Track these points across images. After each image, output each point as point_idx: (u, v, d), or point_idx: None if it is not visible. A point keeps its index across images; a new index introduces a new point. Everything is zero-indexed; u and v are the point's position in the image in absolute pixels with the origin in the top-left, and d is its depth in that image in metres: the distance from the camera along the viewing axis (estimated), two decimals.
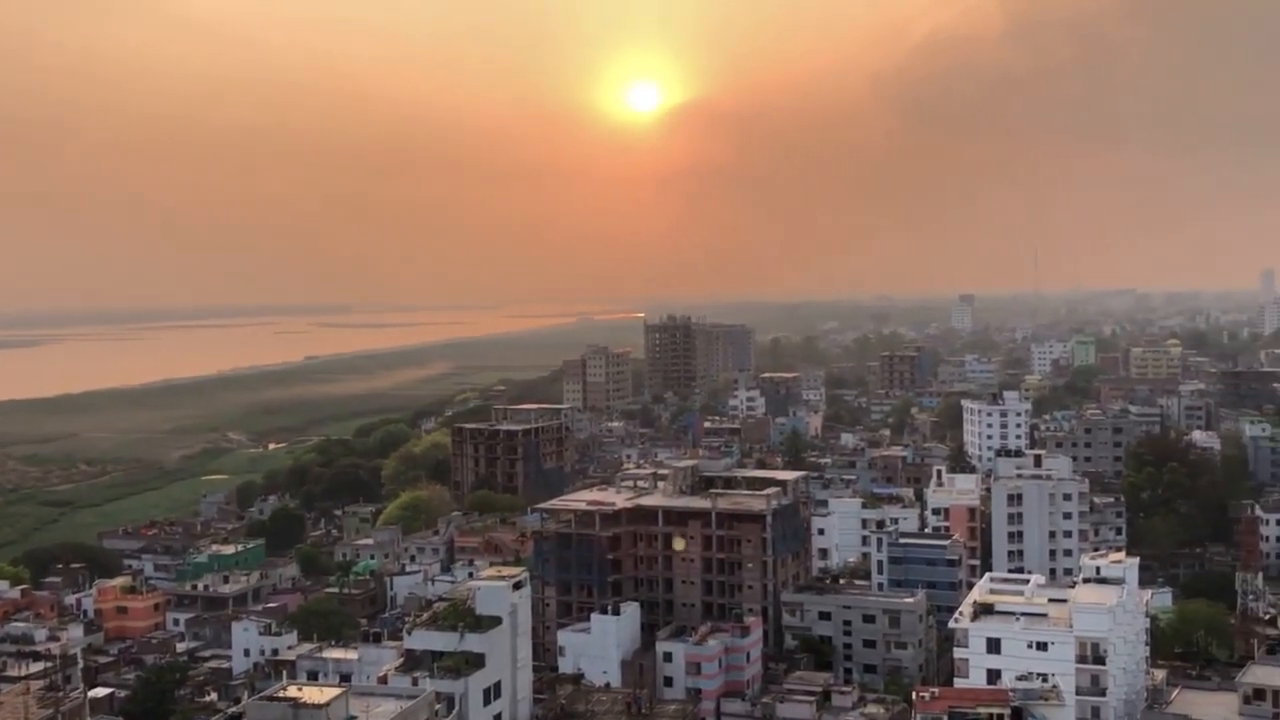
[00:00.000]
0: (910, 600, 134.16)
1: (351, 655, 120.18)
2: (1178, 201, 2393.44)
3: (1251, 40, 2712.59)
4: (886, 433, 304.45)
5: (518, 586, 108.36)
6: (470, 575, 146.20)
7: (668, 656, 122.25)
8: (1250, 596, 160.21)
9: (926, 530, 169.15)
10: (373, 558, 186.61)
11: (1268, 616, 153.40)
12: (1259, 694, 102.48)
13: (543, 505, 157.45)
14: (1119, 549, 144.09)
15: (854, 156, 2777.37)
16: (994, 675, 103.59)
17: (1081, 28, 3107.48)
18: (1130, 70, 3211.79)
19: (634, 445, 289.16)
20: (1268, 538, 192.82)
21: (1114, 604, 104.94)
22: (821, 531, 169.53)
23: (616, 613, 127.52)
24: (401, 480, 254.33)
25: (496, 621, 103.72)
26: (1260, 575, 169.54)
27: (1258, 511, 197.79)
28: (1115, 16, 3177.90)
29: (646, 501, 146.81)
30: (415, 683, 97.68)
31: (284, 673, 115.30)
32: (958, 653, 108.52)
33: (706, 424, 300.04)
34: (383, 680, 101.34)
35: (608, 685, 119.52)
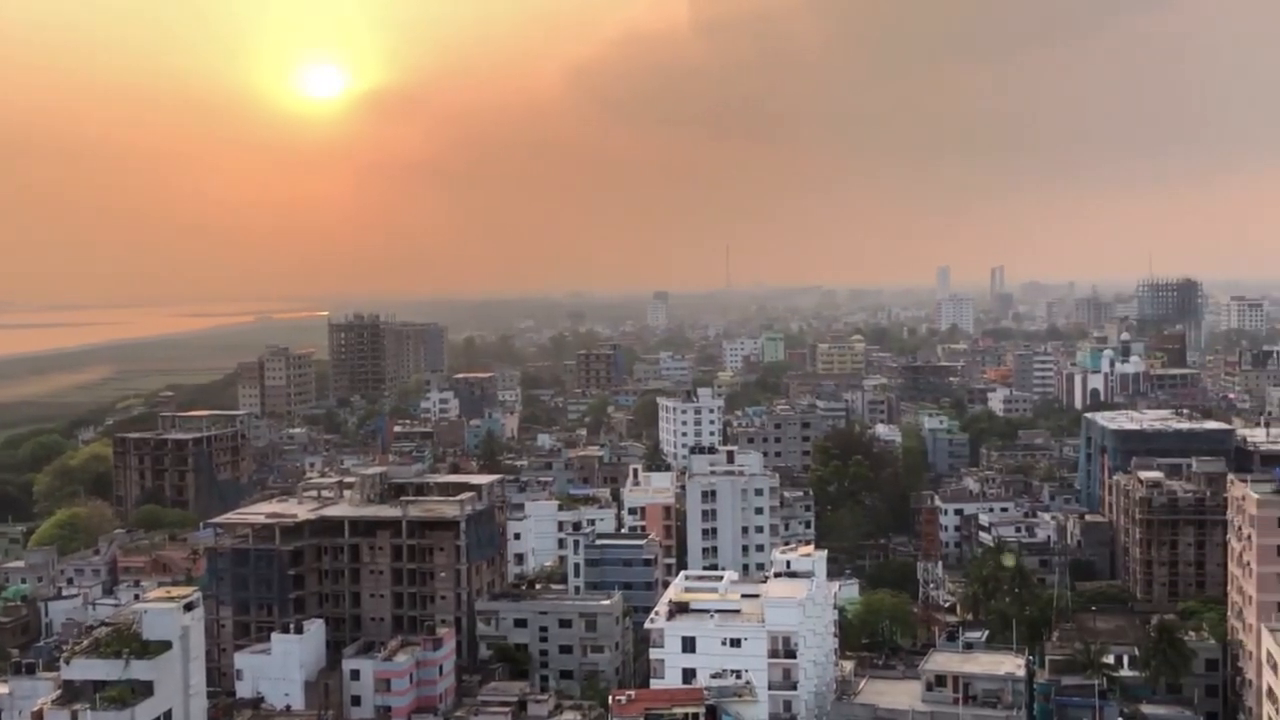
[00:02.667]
0: (607, 602, 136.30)
1: (1, 689, 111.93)
2: (860, 200, 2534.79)
3: (931, 43, 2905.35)
4: (583, 432, 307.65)
5: (189, 608, 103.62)
6: (136, 597, 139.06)
7: (355, 674, 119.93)
8: (931, 585, 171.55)
9: (623, 530, 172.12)
10: (24, 581, 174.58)
11: (947, 604, 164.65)
12: (940, 680, 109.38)
13: (217, 519, 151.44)
14: (808, 542, 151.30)
15: (550, 150, 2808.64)
16: (689, 674, 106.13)
17: (763, 25, 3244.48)
18: (812, 69, 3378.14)
19: (318, 453, 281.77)
20: (946, 527, 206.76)
21: (803, 597, 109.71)
22: (517, 536, 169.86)
23: (299, 631, 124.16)
24: (57, 496, 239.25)
25: (166, 646, 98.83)
26: (940, 564, 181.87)
27: (937, 502, 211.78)
28: (797, 14, 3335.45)
29: (331, 512, 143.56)
30: (75, 716, 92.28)
31: None
32: (654, 653, 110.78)
33: (397, 428, 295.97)
34: (38, 715, 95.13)
35: (289, 708, 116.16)
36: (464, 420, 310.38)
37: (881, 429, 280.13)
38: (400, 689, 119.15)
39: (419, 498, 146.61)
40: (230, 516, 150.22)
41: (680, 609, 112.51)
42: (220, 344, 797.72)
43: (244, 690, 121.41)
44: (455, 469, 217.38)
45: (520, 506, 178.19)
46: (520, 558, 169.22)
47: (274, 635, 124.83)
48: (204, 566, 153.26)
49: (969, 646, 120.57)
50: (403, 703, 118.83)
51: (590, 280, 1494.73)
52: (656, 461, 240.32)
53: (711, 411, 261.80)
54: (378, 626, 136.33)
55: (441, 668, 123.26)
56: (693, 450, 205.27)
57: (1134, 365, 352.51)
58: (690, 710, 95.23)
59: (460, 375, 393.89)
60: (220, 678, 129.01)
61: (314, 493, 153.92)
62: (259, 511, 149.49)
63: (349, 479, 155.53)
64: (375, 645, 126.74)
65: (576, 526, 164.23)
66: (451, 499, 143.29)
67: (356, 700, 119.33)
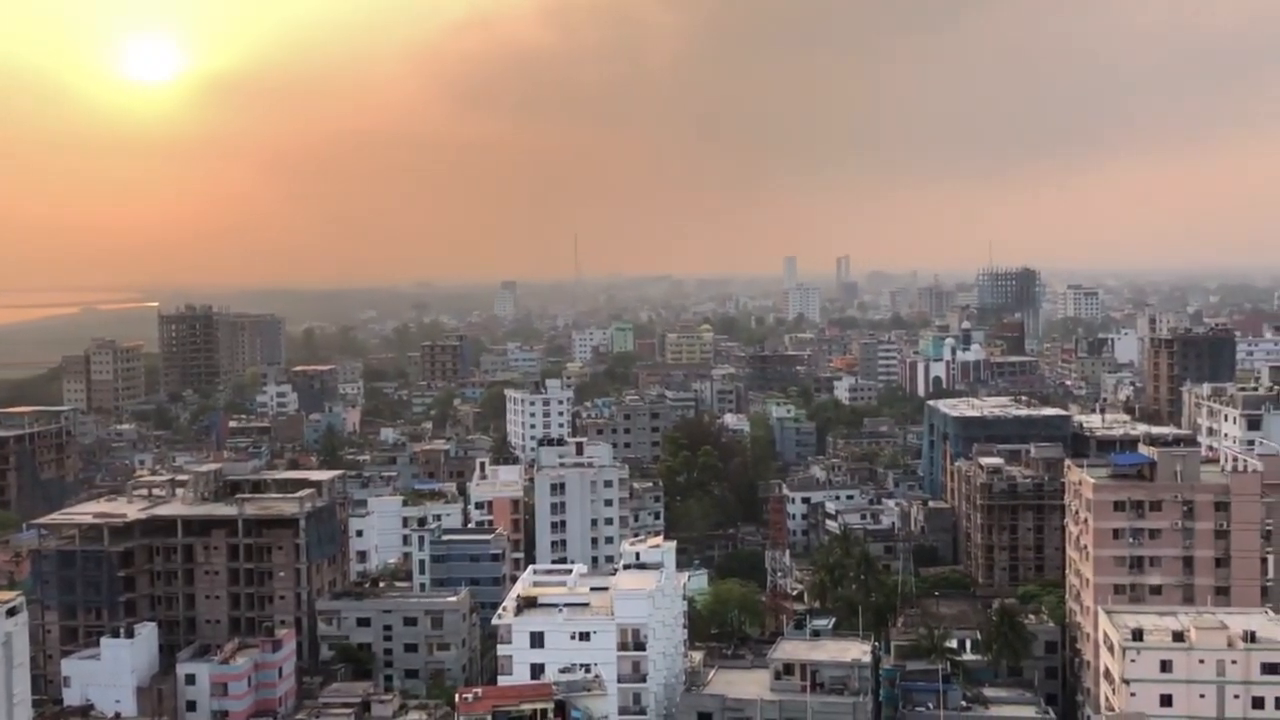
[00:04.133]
0: (453, 599, 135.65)
1: None
2: (709, 189, 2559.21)
3: (782, 33, 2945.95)
4: (429, 426, 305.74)
5: (12, 613, 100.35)
6: None
7: (190, 679, 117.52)
8: (779, 573, 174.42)
9: (470, 525, 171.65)
10: None
11: (795, 592, 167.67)
12: (788, 669, 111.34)
13: (41, 520, 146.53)
14: (657, 534, 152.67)
15: (393, 136, 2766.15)
16: (538, 669, 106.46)
17: (613, 11, 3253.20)
18: (663, 57, 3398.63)
19: (148, 450, 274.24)
20: (794, 516, 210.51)
21: (653, 589, 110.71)
22: (360, 533, 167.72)
23: (130, 635, 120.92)
24: None
25: None
26: (788, 552, 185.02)
27: (784, 490, 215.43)
28: (647, 1, 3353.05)
29: (163, 511, 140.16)
30: None
31: None
32: (501, 650, 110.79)
33: (232, 423, 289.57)
34: None
35: (119, 716, 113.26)
36: (303, 415, 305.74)
37: (730, 419, 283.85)
38: (238, 692, 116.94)
39: (256, 495, 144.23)
40: (55, 517, 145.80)
41: (528, 604, 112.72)
42: (42, 336, 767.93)
43: (72, 698, 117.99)
44: (294, 465, 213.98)
45: (363, 503, 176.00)
46: (363, 555, 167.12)
47: (103, 640, 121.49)
48: (28, 569, 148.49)
49: (816, 634, 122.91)
50: (241, 707, 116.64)
51: (435, 269, 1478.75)
52: (504, 455, 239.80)
53: (560, 403, 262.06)
54: (214, 629, 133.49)
55: (281, 670, 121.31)
56: (541, 442, 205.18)
57: (975, 353, 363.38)
58: (539, 706, 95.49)
59: (299, 368, 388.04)
60: (47, 685, 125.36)
61: (144, 491, 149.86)
62: (86, 511, 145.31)
63: (182, 477, 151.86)
64: (211, 648, 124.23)
65: (421, 522, 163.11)
66: (290, 496, 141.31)
67: (192, 705, 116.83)
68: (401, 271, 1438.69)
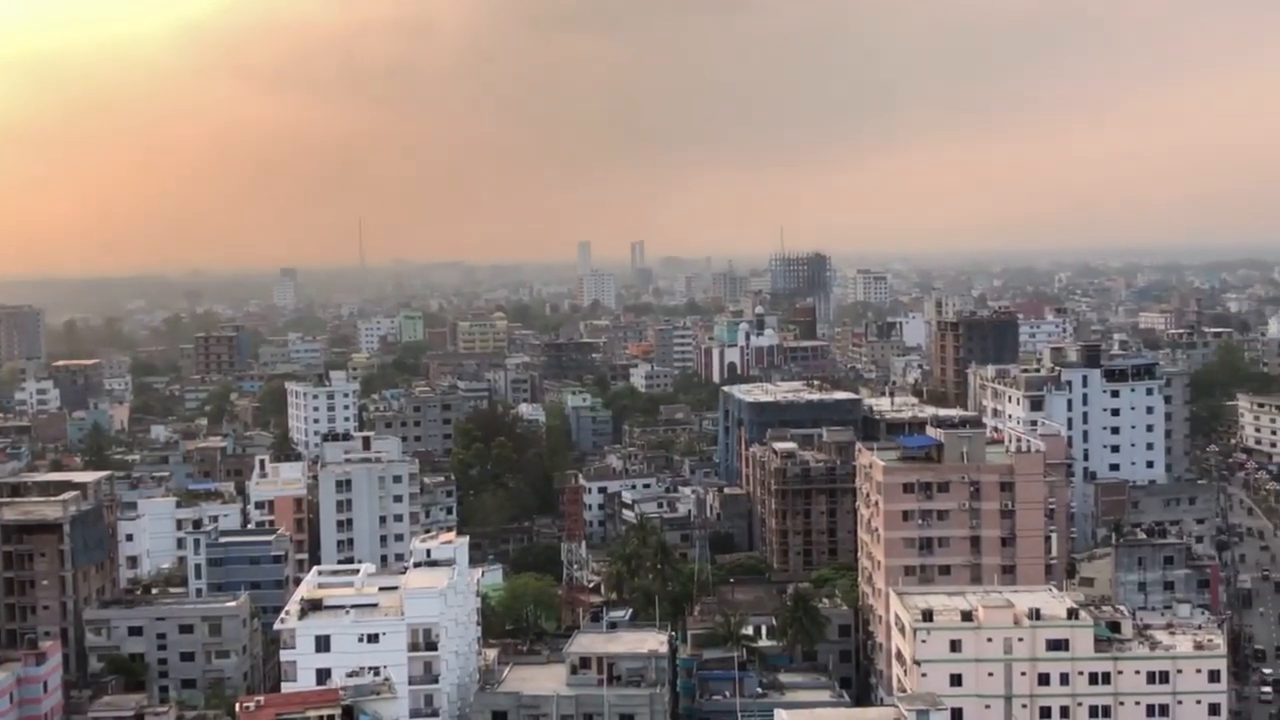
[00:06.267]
0: (232, 604, 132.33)
1: None
2: (500, 172, 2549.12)
3: (572, 13, 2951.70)
4: (204, 422, 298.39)
5: None
6: None
7: None
8: (576, 566, 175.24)
9: (250, 527, 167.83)
10: None
11: (592, 584, 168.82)
12: (585, 662, 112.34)
13: None
14: (449, 529, 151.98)
15: (161, 113, 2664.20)
16: (324, 674, 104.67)
17: None
18: (452, 35, 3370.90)
19: None
20: (590, 506, 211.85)
21: (445, 587, 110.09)
22: (130, 537, 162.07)
23: None
24: None
25: None
26: (584, 544, 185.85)
27: (581, 481, 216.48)
28: None
29: None
30: None
31: None
32: (285, 655, 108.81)
33: None
34: None
35: None
36: (66, 413, 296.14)
37: (525, 408, 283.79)
38: None
39: (15, 499, 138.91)
40: None
41: (313, 606, 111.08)
42: None
43: None
44: (57, 466, 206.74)
45: (133, 505, 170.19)
46: (134, 561, 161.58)
47: None
48: None
49: (613, 626, 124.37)
50: None
51: (209, 256, 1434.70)
52: (286, 451, 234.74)
53: (345, 396, 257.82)
54: None
55: (46, 684, 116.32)
56: (325, 438, 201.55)
57: (768, 338, 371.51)
58: (325, 712, 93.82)
59: (60, 363, 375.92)
60: None
61: None
62: None
63: None
64: None
65: (197, 524, 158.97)
66: (53, 499, 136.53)
67: None
68: (172, 258, 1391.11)
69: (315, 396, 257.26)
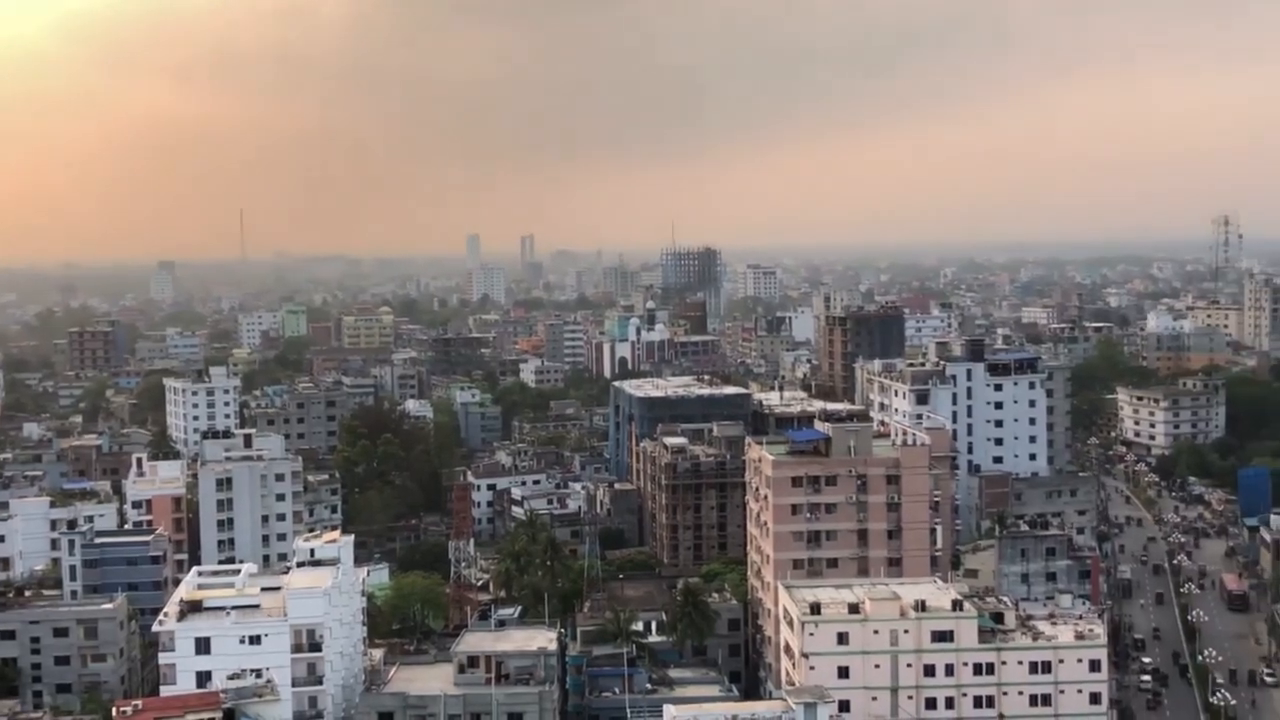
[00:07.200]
0: (109, 606, 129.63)
1: None
2: (386, 163, 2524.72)
3: (465, 3, 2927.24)
4: (78, 420, 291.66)
5: None
6: None
7: None
8: (464, 564, 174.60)
9: (127, 527, 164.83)
10: None
11: (480, 582, 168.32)
12: (473, 661, 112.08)
13: None
14: (334, 528, 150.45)
15: (31, 101, 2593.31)
16: (205, 677, 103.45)
17: None
18: (335, 22, 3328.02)
19: None
20: (479, 503, 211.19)
21: (329, 587, 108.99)
22: (2, 538, 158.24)
23: None
24: None
25: None
26: (472, 542, 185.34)
27: (469, 478, 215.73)
28: None
29: None
30: None
31: None
32: (164, 658, 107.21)
33: None
34: None
35: None
36: None
37: (412, 404, 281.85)
38: None
39: None
40: None
41: (193, 608, 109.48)
42: None
43: None
44: None
45: (4, 505, 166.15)
46: (6, 562, 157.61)
47: None
48: None
49: (502, 624, 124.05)
50: None
51: (83, 249, 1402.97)
52: (165, 449, 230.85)
53: (226, 392, 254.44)
54: None
55: None
56: (205, 435, 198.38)
57: (659, 333, 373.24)
58: (205, 716, 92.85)
59: None
60: None
61: None
62: None
63: None
64: None
65: (72, 524, 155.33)
66: None
67: None
68: (44, 251, 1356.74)
69: (195, 393, 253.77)
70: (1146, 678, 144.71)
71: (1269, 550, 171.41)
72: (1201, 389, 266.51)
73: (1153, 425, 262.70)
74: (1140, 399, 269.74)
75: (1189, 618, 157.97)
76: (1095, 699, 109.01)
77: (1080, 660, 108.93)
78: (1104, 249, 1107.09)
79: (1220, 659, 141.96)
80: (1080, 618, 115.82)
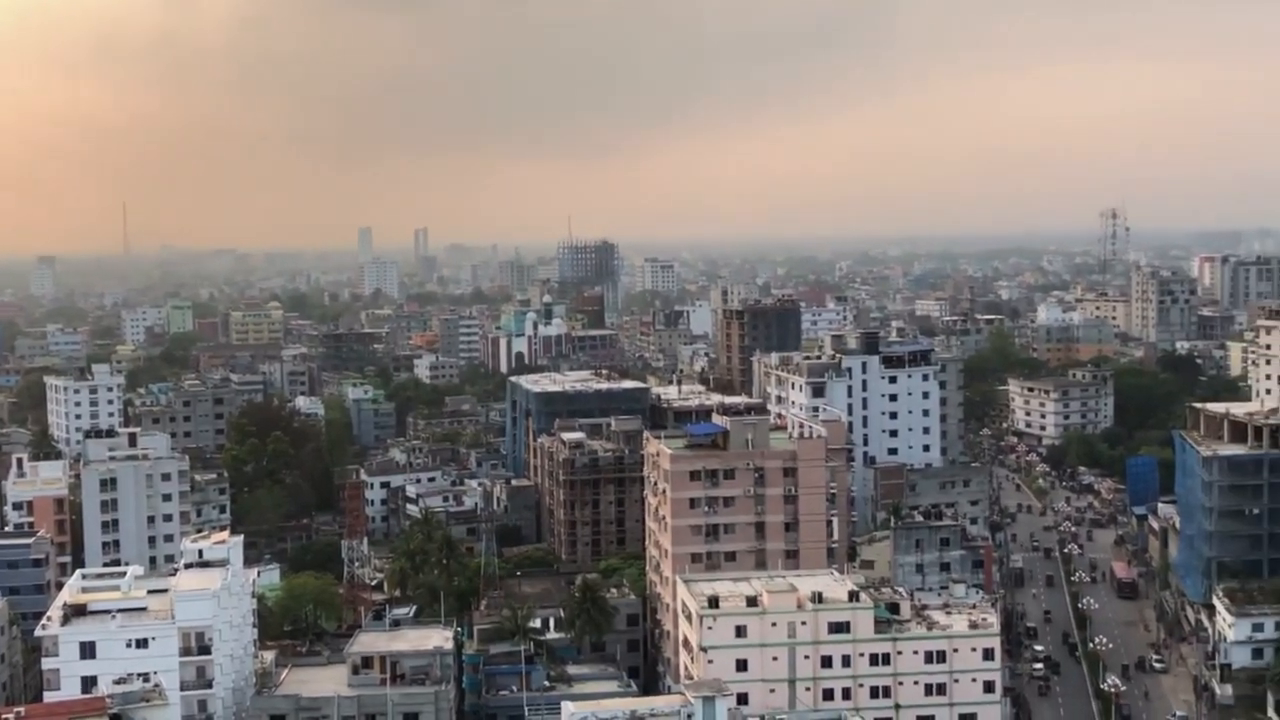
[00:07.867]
0: None
1: None
2: (275, 155, 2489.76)
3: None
4: None
5: None
6: None
7: None
8: (357, 563, 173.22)
9: (7, 529, 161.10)
10: None
11: (374, 582, 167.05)
12: (367, 662, 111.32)
13: None
14: (223, 528, 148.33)
15: None
16: (90, 682, 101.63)
17: None
18: (223, 10, 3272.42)
19: None
20: (373, 501, 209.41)
21: (218, 588, 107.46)
22: None
23: None
24: None
25: None
26: (366, 541, 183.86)
27: (362, 476, 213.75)
28: None
29: None
30: None
31: None
32: (47, 663, 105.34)
33: None
34: None
35: None
36: None
37: (303, 401, 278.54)
38: None
39: None
40: None
41: (77, 612, 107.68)
42: None
43: None
44: None
45: None
46: None
47: None
48: None
49: (397, 624, 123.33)
50: None
51: None
52: (46, 449, 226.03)
53: (110, 390, 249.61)
54: None
55: None
56: (88, 434, 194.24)
57: (556, 327, 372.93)
58: None
59: None
60: None
61: None
62: None
63: None
64: None
65: None
66: None
67: None
68: None
69: (77, 391, 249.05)
70: (1039, 665, 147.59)
71: (1157, 538, 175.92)
72: (1090, 380, 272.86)
73: (1043, 416, 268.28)
74: (1031, 390, 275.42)
75: (1080, 605, 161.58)
76: (989, 687, 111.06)
77: (974, 649, 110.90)
78: (996, 242, 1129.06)
79: (1110, 646, 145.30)
80: (974, 607, 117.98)
